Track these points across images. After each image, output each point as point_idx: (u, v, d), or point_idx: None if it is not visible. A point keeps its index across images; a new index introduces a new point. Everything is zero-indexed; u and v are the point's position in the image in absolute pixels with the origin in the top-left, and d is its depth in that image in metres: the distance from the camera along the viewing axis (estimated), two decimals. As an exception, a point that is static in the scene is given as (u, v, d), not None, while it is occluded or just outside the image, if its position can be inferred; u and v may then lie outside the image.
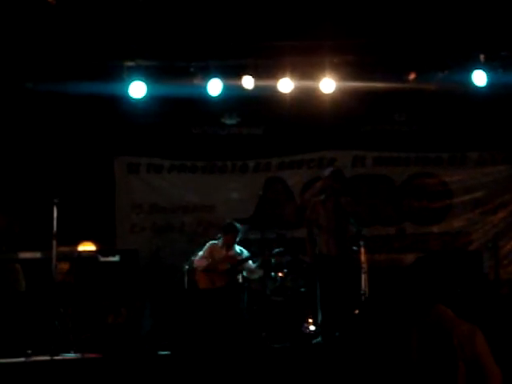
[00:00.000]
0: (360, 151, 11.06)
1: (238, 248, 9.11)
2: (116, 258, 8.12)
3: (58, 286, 7.64)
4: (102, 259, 8.04)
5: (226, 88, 10.01)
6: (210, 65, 9.92)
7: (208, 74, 9.95)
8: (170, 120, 10.83)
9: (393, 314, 6.68)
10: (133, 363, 6.93)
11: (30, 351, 7.04)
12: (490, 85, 9.91)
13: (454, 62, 9.95)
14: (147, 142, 10.93)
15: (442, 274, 4.08)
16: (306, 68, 9.97)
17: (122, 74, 9.92)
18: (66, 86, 9.61)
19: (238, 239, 9.11)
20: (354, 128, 11.05)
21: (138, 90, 9.95)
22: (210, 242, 9.15)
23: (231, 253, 9.04)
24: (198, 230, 10.80)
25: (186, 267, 9.01)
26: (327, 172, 8.73)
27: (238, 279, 8.96)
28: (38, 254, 7.73)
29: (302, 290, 8.91)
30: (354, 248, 8.46)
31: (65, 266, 8.32)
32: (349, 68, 9.94)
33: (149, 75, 9.94)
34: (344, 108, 10.44)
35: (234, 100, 10.44)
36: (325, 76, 9.91)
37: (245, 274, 9.01)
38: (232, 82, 10.00)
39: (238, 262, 8.95)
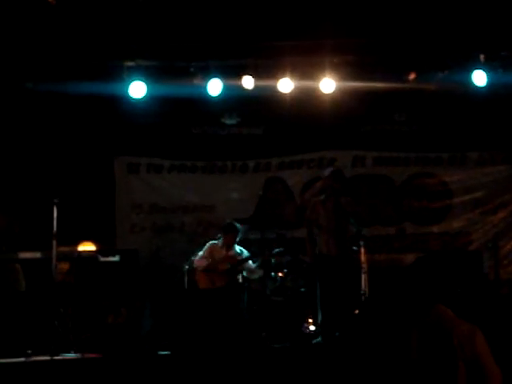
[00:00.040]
0: (360, 151, 11.06)
1: (237, 248, 9.11)
2: (116, 258, 8.12)
3: (58, 286, 7.64)
4: (102, 259, 8.04)
5: (226, 88, 10.02)
6: (210, 65, 9.92)
7: (208, 73, 9.95)
8: (170, 120, 10.83)
9: (393, 314, 6.67)
10: (133, 363, 6.93)
11: (30, 351, 7.04)
12: (489, 85, 9.91)
13: (454, 61, 9.95)
14: (147, 142, 10.93)
15: (442, 274, 4.08)
16: (306, 68, 9.97)
17: (122, 74, 9.92)
18: (66, 85, 9.62)
19: (238, 239, 9.11)
20: (354, 128, 11.04)
21: (138, 89, 9.95)
22: (210, 242, 9.15)
23: (231, 253, 9.04)
24: (198, 230, 10.80)
25: (186, 267, 9.01)
26: (327, 172, 8.73)
27: (238, 279, 8.96)
28: (38, 254, 7.74)
29: (302, 290, 8.92)
30: (354, 248, 8.45)
31: (65, 265, 8.33)
32: (349, 68, 9.94)
33: (149, 75, 9.95)
34: (344, 108, 10.44)
35: (234, 100, 10.44)
36: (325, 76, 9.91)
37: (245, 273, 9.01)
38: (232, 82, 10.00)
39: (238, 262, 8.95)
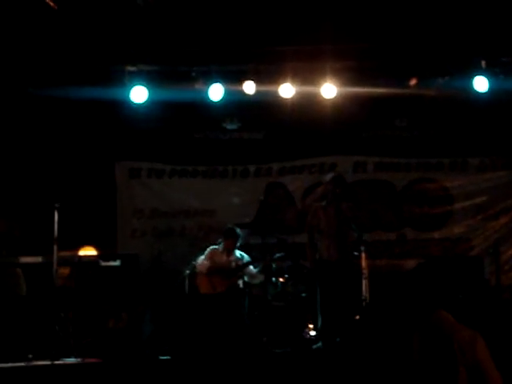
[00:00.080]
0: (361, 157, 11.05)
1: (238, 253, 9.12)
2: (117, 263, 8.12)
3: (58, 291, 7.65)
4: (103, 264, 8.05)
5: (227, 93, 10.03)
6: (211, 70, 9.93)
7: (209, 78, 9.95)
8: (171, 125, 10.84)
9: (394, 319, 6.67)
10: (133, 368, 6.93)
11: (30, 356, 7.06)
12: (491, 91, 9.91)
13: (455, 67, 9.96)
14: (148, 146, 10.94)
15: (443, 279, 4.09)
16: (307, 73, 9.97)
17: (123, 79, 9.93)
18: (68, 90, 9.62)
19: (238, 244, 9.12)
20: (355, 133, 11.04)
21: (139, 94, 9.96)
22: (211, 247, 9.16)
23: (232, 258, 9.04)
24: (199, 235, 10.80)
25: (187, 272, 9.00)
26: (328, 177, 8.74)
27: (239, 284, 8.97)
28: (38, 259, 7.75)
29: (303, 295, 8.92)
30: (355, 253, 8.45)
31: (65, 270, 8.34)
32: (350, 73, 9.95)
33: (150, 80, 9.96)
34: (345, 113, 10.44)
35: (236, 105, 10.44)
36: (326, 81, 9.92)
37: (246, 279, 9.01)
38: (233, 87, 10.01)
39: (239, 267, 8.95)
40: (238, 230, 9.11)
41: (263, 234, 8.94)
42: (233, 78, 10.02)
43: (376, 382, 6.13)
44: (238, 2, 8.77)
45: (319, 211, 8.57)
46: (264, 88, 10.02)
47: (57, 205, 7.64)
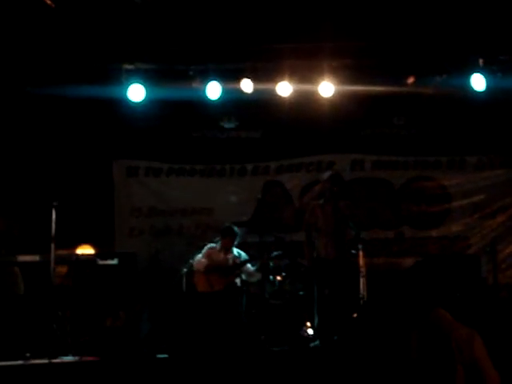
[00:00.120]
0: (359, 155, 11.06)
1: (236, 251, 9.11)
2: (114, 262, 8.12)
3: (56, 289, 7.65)
4: (101, 262, 8.06)
5: (224, 91, 10.01)
6: (208, 68, 9.93)
7: (207, 77, 9.94)
8: (169, 123, 10.83)
9: (391, 317, 6.68)
10: (131, 366, 6.93)
11: (28, 354, 7.06)
12: (488, 89, 9.91)
13: (452, 65, 9.96)
14: (146, 145, 10.93)
15: (441, 277, 4.09)
16: (305, 71, 9.97)
17: (120, 78, 9.92)
18: (65, 89, 9.59)
19: (236, 242, 9.11)
20: (353, 131, 11.04)
21: (136, 93, 9.95)
22: (208, 246, 9.15)
23: (229, 256, 9.04)
24: (197, 233, 10.79)
25: (185, 270, 9.01)
26: (326, 175, 8.75)
27: (237, 282, 8.97)
28: (36, 257, 7.75)
29: (301, 293, 8.92)
30: (353, 251, 8.45)
31: (63, 269, 8.35)
32: (348, 71, 9.95)
33: (148, 78, 9.95)
34: (343, 111, 10.44)
35: (233, 103, 10.43)
36: (324, 79, 9.92)
37: (243, 277, 9.01)
38: (231, 86, 10.00)
39: (237, 266, 8.95)
40: (236, 229, 9.11)
41: (261, 232, 8.95)
42: (230, 76, 10.01)
43: (374, 381, 6.14)
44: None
45: (317, 209, 8.57)
46: (261, 86, 10.01)
47: (55, 203, 7.64)
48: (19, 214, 8.86)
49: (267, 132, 11.08)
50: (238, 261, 9.01)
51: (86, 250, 9.32)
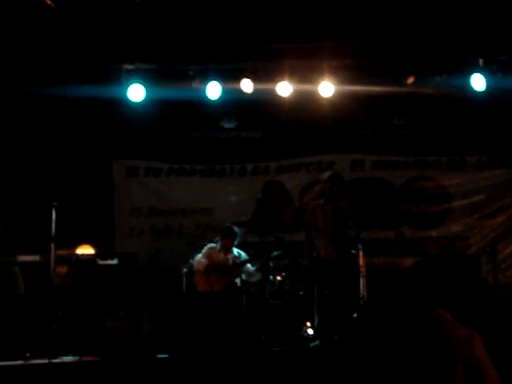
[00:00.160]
0: (359, 155, 11.06)
1: (236, 251, 9.11)
2: (114, 262, 8.12)
3: (56, 289, 7.65)
4: (101, 262, 8.05)
5: (224, 91, 10.01)
6: (208, 68, 9.92)
7: (207, 77, 9.94)
8: (169, 123, 10.83)
9: (391, 317, 6.67)
10: (131, 366, 6.93)
11: (28, 354, 7.05)
12: (488, 89, 9.91)
13: (452, 65, 9.96)
14: (146, 145, 10.93)
15: (441, 278, 4.09)
16: (305, 71, 9.97)
17: (120, 78, 9.92)
18: (65, 89, 9.59)
19: (236, 243, 9.11)
20: (353, 131, 11.04)
21: (136, 93, 9.95)
22: (208, 246, 9.15)
23: (229, 256, 9.04)
24: (197, 233, 10.79)
25: (185, 270, 9.01)
26: (326, 175, 8.75)
27: (237, 282, 8.96)
28: (36, 257, 7.75)
29: (301, 293, 8.92)
30: (353, 251, 8.45)
31: (63, 269, 8.34)
32: (348, 72, 9.95)
33: (148, 78, 9.95)
34: (343, 112, 10.44)
35: (233, 103, 10.43)
36: (323, 79, 9.92)
37: (243, 277, 9.01)
38: (231, 86, 10.00)
39: (237, 266, 8.95)
40: (236, 229, 9.11)
41: (261, 232, 8.95)
42: (230, 76, 10.01)
43: (374, 381, 6.13)
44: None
45: (317, 209, 8.57)
46: (261, 86, 10.01)
47: (55, 203, 7.64)
48: (19, 214, 8.86)
49: (267, 132, 11.08)
50: (238, 261, 9.01)
51: (85, 250, 9.32)
